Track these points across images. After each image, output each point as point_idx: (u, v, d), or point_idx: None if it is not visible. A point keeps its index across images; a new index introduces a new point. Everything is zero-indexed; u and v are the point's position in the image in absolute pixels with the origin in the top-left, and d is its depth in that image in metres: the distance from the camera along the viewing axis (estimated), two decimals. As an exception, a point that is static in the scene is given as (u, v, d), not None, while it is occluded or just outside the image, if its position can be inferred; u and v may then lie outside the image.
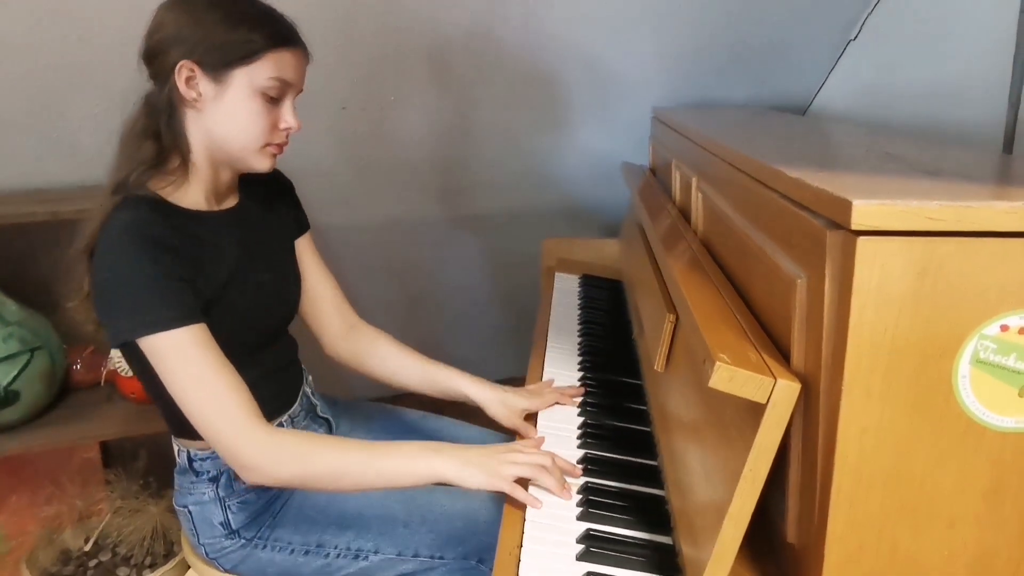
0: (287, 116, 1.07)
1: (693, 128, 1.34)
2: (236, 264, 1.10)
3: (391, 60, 1.82)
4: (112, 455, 1.85)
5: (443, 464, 1.00)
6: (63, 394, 1.73)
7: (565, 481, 1.02)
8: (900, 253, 0.60)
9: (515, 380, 1.33)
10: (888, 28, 2.05)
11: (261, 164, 1.09)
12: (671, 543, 0.90)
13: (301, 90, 1.10)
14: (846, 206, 0.59)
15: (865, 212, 0.59)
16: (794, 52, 2.17)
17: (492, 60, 1.91)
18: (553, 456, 1.04)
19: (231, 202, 1.17)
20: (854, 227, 0.59)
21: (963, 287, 0.60)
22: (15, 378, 1.55)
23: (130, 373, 1.69)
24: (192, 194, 1.09)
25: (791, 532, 0.73)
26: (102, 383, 1.78)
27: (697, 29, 2.02)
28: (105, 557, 1.69)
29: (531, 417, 1.23)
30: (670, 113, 1.76)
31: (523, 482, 1.01)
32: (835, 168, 0.81)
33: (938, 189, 0.65)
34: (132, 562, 1.68)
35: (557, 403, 1.27)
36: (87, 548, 1.70)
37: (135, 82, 1.59)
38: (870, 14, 2.09)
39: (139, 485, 1.73)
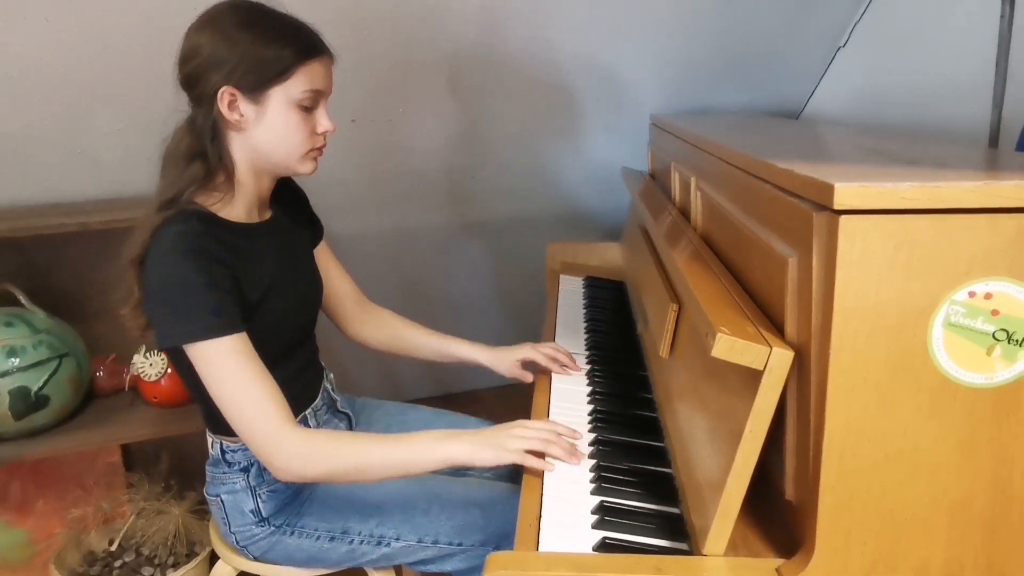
0: (323, 121, 1.13)
1: (691, 132, 1.42)
2: (276, 272, 1.17)
3: (399, 74, 1.89)
4: (135, 459, 1.90)
5: (456, 448, 1.06)
6: (87, 400, 1.79)
7: (574, 448, 1.09)
8: (878, 229, 0.67)
9: (518, 386, 1.41)
10: (876, 34, 2.12)
11: (305, 168, 1.16)
12: (679, 512, 0.97)
13: (330, 93, 1.15)
14: (829, 189, 0.67)
15: (846, 194, 0.66)
16: (786, 59, 2.24)
17: (496, 73, 1.98)
18: (555, 425, 1.12)
19: (267, 214, 1.24)
20: (836, 207, 0.67)
21: (934, 258, 0.68)
22: (45, 383, 1.61)
23: (152, 379, 1.76)
24: (237, 208, 1.15)
25: (789, 489, 0.80)
26: (125, 389, 1.84)
27: (692, 40, 2.10)
28: (129, 558, 1.73)
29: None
30: (668, 119, 1.84)
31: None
32: (822, 160, 0.89)
33: (913, 174, 0.73)
34: (156, 562, 1.72)
35: (550, 369, 1.40)
36: (112, 549, 1.74)
37: (155, 99, 1.67)
38: (858, 21, 2.16)
39: (161, 487, 1.77)
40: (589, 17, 1.94)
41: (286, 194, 1.31)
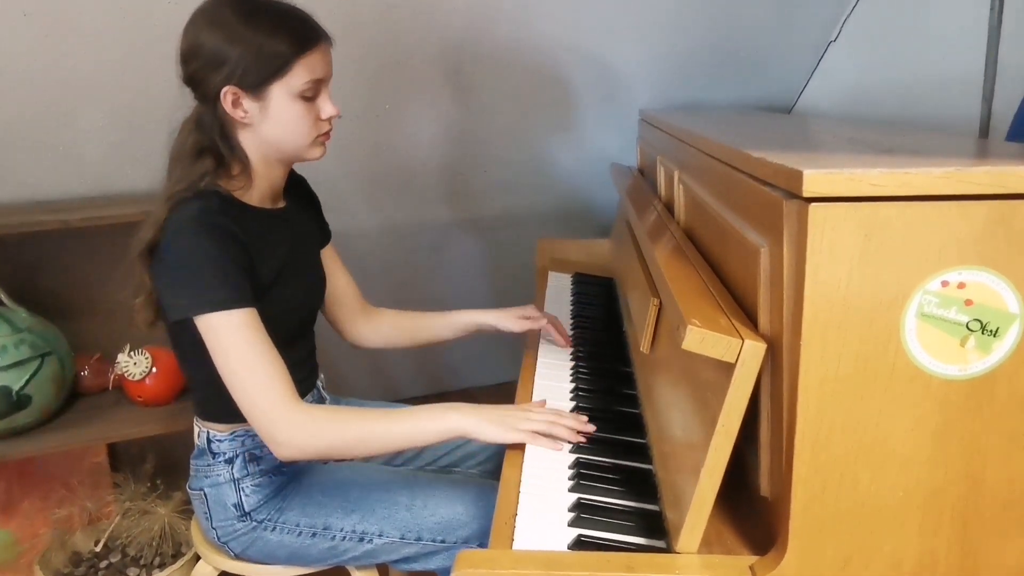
0: (326, 107, 1.14)
1: (675, 125, 1.41)
2: (285, 260, 1.18)
3: (386, 70, 1.88)
4: (120, 459, 1.89)
5: (462, 420, 1.07)
6: (72, 399, 1.78)
7: (580, 424, 1.13)
8: (847, 217, 0.66)
9: (511, 384, 1.39)
10: (866, 29, 2.12)
11: (314, 154, 1.17)
12: (658, 510, 0.96)
13: (331, 77, 1.16)
14: (798, 176, 0.66)
15: (815, 181, 0.65)
16: (777, 54, 2.23)
17: (486, 69, 1.97)
18: (561, 412, 1.15)
19: (281, 203, 1.25)
20: (805, 195, 0.66)
21: (906, 247, 0.66)
22: (27, 382, 1.60)
23: (137, 378, 1.75)
24: (253, 195, 1.17)
25: (764, 485, 0.79)
26: (110, 388, 1.83)
27: (684, 34, 2.09)
28: (115, 558, 1.72)
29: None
30: (655, 114, 1.83)
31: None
32: (798, 150, 0.87)
33: (885, 161, 0.72)
34: (141, 562, 1.71)
35: (549, 332, 1.50)
36: (97, 549, 1.73)
37: (138, 96, 1.67)
38: (848, 16, 2.15)
39: (147, 487, 1.76)
40: (581, 11, 1.93)
41: (301, 192, 1.33)
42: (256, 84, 1.08)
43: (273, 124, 1.11)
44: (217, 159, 1.12)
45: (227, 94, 1.08)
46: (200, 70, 1.08)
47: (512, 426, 1.08)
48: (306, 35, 1.10)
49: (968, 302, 0.68)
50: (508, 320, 1.47)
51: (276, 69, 1.08)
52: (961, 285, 0.67)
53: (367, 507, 1.20)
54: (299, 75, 1.09)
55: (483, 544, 1.18)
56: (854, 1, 2.11)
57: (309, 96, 1.11)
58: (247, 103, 1.09)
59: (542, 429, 1.09)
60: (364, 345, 1.48)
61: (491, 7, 1.84)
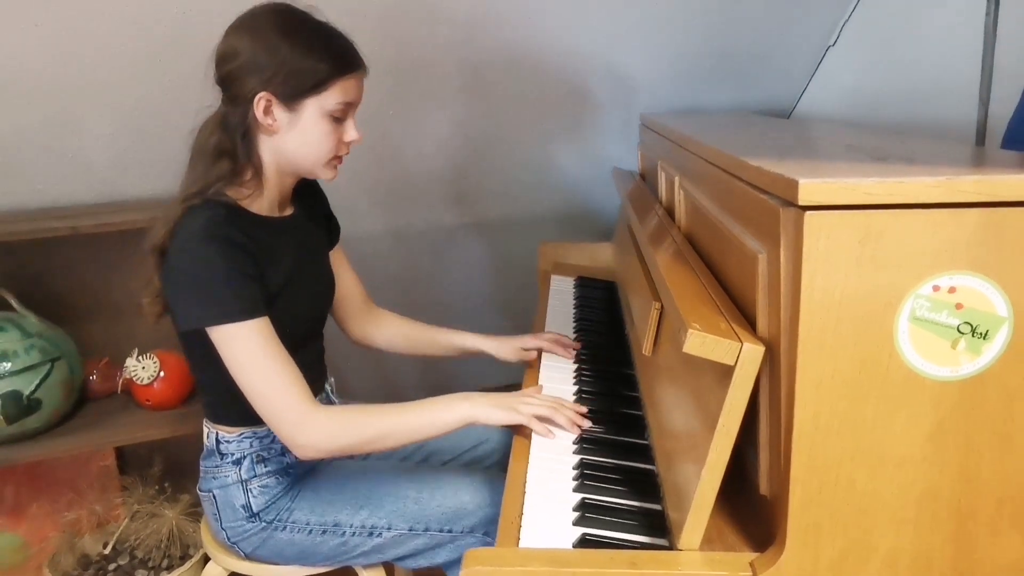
0: (351, 131, 1.18)
1: (675, 131, 1.43)
2: (293, 268, 1.20)
3: (391, 76, 1.90)
4: (128, 462, 1.91)
5: (472, 407, 1.13)
6: (80, 404, 1.80)
7: (578, 418, 1.18)
8: (842, 225, 0.69)
9: (516, 387, 1.41)
10: (865, 34, 2.13)
11: (327, 174, 1.20)
12: (661, 509, 0.98)
13: (360, 103, 1.19)
14: (794, 185, 0.68)
15: (810, 189, 0.67)
16: (776, 58, 2.25)
17: (489, 75, 1.99)
18: (562, 401, 1.22)
19: (289, 210, 1.27)
20: (801, 203, 0.68)
21: (899, 253, 0.69)
22: (37, 387, 1.62)
23: (145, 382, 1.76)
24: (262, 203, 1.19)
25: (763, 484, 0.81)
26: (118, 392, 1.85)
27: (684, 39, 2.11)
28: (123, 561, 1.74)
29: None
30: (655, 118, 1.85)
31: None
32: (796, 157, 0.90)
33: (880, 169, 0.74)
34: (150, 564, 1.72)
35: (553, 351, 1.47)
36: (106, 552, 1.74)
37: (146, 102, 1.69)
38: (847, 21, 2.17)
39: (155, 490, 1.78)
40: (583, 18, 1.95)
41: (307, 192, 1.35)
42: (292, 95, 1.10)
43: (298, 138, 1.13)
44: (234, 163, 1.14)
45: (261, 99, 1.10)
46: (236, 71, 1.10)
47: (514, 408, 1.15)
48: (349, 59, 1.14)
49: (959, 306, 0.70)
50: (505, 350, 1.48)
51: (315, 85, 1.11)
52: (952, 289, 0.69)
53: (376, 501, 1.23)
54: (334, 95, 1.12)
55: (489, 532, 1.21)
56: (852, 6, 2.12)
57: (338, 117, 1.14)
58: (278, 112, 1.11)
59: (543, 413, 1.16)
60: (364, 343, 1.51)
61: (494, 15, 1.86)
